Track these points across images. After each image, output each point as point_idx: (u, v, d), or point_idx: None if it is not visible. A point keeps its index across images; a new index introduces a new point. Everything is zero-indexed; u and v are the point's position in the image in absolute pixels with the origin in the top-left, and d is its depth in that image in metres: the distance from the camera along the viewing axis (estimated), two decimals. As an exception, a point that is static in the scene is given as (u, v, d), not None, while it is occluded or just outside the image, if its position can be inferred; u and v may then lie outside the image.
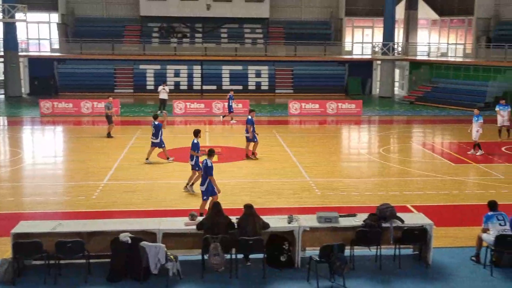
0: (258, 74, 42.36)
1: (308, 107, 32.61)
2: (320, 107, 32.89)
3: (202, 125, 29.18)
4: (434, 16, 44.62)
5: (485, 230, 11.58)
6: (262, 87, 42.16)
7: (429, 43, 44.79)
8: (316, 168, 19.84)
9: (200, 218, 11.50)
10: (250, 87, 41.90)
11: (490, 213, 11.56)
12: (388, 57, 40.79)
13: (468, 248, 12.18)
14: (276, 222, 11.55)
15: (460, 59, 41.56)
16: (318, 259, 10.66)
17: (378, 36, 44.23)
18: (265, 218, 11.47)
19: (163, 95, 31.89)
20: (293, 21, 44.84)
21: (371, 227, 11.41)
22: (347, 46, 45.61)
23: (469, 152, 22.33)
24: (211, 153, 14.38)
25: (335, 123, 30.65)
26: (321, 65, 43.07)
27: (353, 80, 42.76)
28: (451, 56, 43.31)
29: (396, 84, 44.05)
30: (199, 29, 44.01)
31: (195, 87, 41.67)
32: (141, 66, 42.16)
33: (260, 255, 11.12)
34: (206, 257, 10.92)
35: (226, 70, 42.15)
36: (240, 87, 41.49)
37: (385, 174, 19.54)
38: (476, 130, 22.07)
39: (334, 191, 17.12)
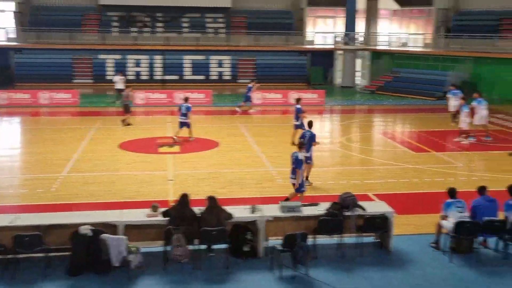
0: (220, 64, 42.13)
1: (270, 97, 32.60)
2: (282, 97, 32.92)
3: (164, 115, 28.90)
4: (395, 6, 45.08)
5: (444, 217, 11.78)
6: (225, 77, 41.97)
7: (390, 33, 45.24)
8: (279, 158, 19.86)
9: (162, 210, 11.38)
10: (212, 77, 41.67)
11: (449, 200, 11.75)
12: (349, 47, 41.05)
13: (428, 235, 12.37)
14: (239, 213, 11.52)
15: (420, 49, 42.14)
16: (281, 248, 10.70)
17: (340, 26, 44.46)
18: (228, 208, 11.42)
19: (119, 85, 31.54)
20: (255, 11, 44.67)
21: (334, 216, 11.49)
22: (309, 36, 45.70)
23: (463, 142, 22.32)
24: (301, 145, 14.55)
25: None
26: (284, 55, 43.11)
27: (315, 70, 42.92)
28: (411, 46, 43.86)
29: (358, 74, 44.39)
30: (160, 18, 43.48)
31: (156, 77, 41.22)
32: (101, 56, 41.43)
33: (224, 246, 11.10)
34: (168, 248, 10.83)
35: (188, 60, 41.79)
36: (202, 77, 41.24)
37: (347, 163, 19.69)
38: (480, 115, 21.88)
39: (297, 180, 17.13)
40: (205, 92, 32.84)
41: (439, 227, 11.92)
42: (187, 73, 41.47)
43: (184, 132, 22.34)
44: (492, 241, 11.98)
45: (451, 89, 26.93)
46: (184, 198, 11.27)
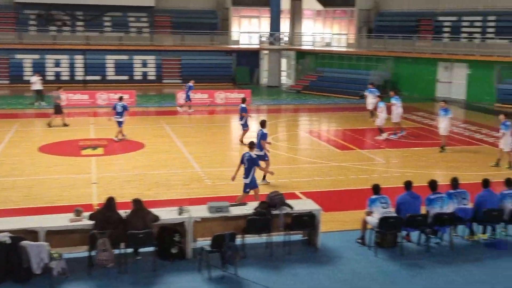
0: (144, 64, 41.41)
1: (196, 97, 32.35)
2: (209, 97, 32.77)
3: (86, 117, 28.10)
4: (318, 6, 45.85)
5: (369, 213, 12.02)
6: (149, 77, 41.31)
7: (314, 33, 45.96)
8: (206, 158, 19.73)
9: (86, 214, 11.01)
10: (136, 77, 40.90)
11: (373, 196, 12.00)
12: (274, 46, 41.40)
13: (354, 231, 12.59)
14: (167, 214, 11.33)
15: (344, 49, 43.05)
16: (209, 249, 10.59)
17: (265, 26, 44.75)
18: (155, 210, 11.21)
19: (36, 86, 30.47)
20: (179, 10, 44.23)
21: (262, 215, 11.50)
22: (235, 36, 45.76)
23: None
24: (252, 145, 14.40)
25: (224, 113, 30.65)
26: (209, 54, 42.93)
27: (241, 70, 43.01)
28: (335, 46, 44.74)
29: (283, 73, 44.83)
30: (80, 17, 42.23)
31: (77, 78, 40.00)
32: (18, 56, 39.80)
33: (151, 248, 10.87)
34: (93, 253, 10.50)
35: (110, 60, 40.81)
36: (126, 78, 40.40)
37: (274, 162, 19.72)
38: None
39: (225, 180, 17.05)
40: (128, 92, 32.15)
41: (365, 223, 12.15)
42: (110, 74, 40.51)
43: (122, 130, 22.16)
44: (414, 235, 12.33)
45: (369, 87, 27.92)
46: (109, 202, 10.96)
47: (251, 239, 11.84)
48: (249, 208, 11.78)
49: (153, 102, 33.42)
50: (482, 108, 32.66)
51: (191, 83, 30.11)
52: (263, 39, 42.79)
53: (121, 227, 10.71)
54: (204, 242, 11.08)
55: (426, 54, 36.98)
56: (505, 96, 33.16)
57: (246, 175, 14.02)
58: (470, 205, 12.39)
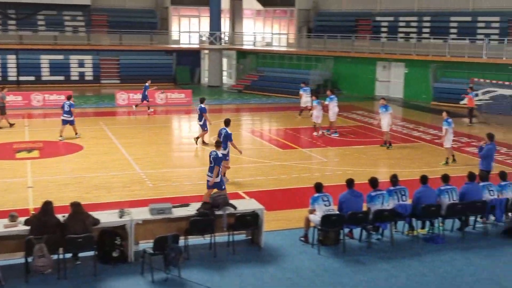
0: (81, 64, 40.34)
1: (136, 98, 31.79)
2: (149, 97, 32.19)
3: (20, 119, 27.18)
4: (258, 6, 45.98)
5: (312, 211, 12.09)
6: (86, 78, 40.28)
7: (254, 32, 46.06)
8: (147, 160, 19.43)
9: (22, 219, 10.61)
10: (73, 78, 39.77)
11: (316, 195, 12.09)
12: (215, 46, 41.24)
13: (297, 229, 12.66)
14: (107, 217, 11.06)
15: (284, 49, 43.33)
16: (152, 251, 10.42)
17: (205, 25, 44.52)
18: (95, 214, 10.93)
19: None
20: (116, 9, 43.42)
21: (205, 215, 11.39)
22: (174, 35, 45.32)
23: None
24: (218, 144, 14.44)
25: (164, 113, 30.28)
26: (148, 54, 42.31)
27: (181, 70, 42.61)
28: (275, 46, 44.98)
29: (224, 73, 44.72)
30: (12, 16, 40.82)
31: (10, 78, 38.60)
32: None
33: (91, 253, 10.58)
34: (30, 259, 10.11)
35: (45, 60, 39.50)
36: (62, 78, 39.24)
37: (216, 162, 19.65)
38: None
39: (167, 182, 16.87)
40: (64, 93, 31.25)
41: (307, 221, 12.23)
42: (45, 74, 39.24)
43: (68, 130, 21.92)
44: (356, 231, 12.50)
45: (302, 86, 28.64)
46: (46, 206, 10.59)
47: (194, 240, 11.72)
48: (192, 209, 11.65)
49: (91, 103, 32.67)
50: (419, 106, 33.54)
51: (147, 83, 29.68)
52: (204, 38, 42.54)
53: (59, 231, 10.38)
54: (147, 245, 10.91)
55: (364, 53, 37.68)
56: (440, 95, 34.17)
57: (211, 173, 14.01)
58: (409, 201, 12.65)
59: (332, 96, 24.44)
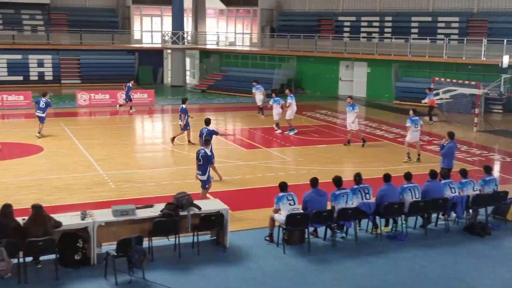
0: (40, 64, 39.51)
1: (98, 98, 31.40)
2: (110, 97, 31.85)
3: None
4: (221, 6, 45.87)
5: (276, 211, 12.08)
6: (46, 78, 39.46)
7: (217, 32, 45.92)
8: (110, 161, 19.16)
9: (-21, 222, 10.31)
10: (32, 78, 38.91)
11: (280, 194, 12.07)
12: (178, 46, 40.96)
13: (262, 229, 12.63)
14: (68, 220, 10.84)
15: (248, 48, 43.31)
16: (115, 254, 10.25)
17: (167, 24, 44.17)
18: (56, 216, 10.70)
19: None
20: (77, 8, 42.73)
21: (169, 216, 11.27)
22: (136, 35, 44.85)
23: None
24: (207, 142, 14.49)
25: (127, 114, 29.92)
26: (110, 54, 41.72)
27: (144, 69, 42.19)
28: (239, 45, 44.93)
29: (188, 72, 44.47)
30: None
31: (-35, 79, 37.66)
32: None
33: (52, 256, 10.34)
34: (-12, 264, 9.85)
35: (2, 60, 38.47)
36: (20, 78, 38.35)
37: (181, 163, 19.54)
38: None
39: (130, 183, 16.66)
40: (23, 94, 30.68)
41: (272, 220, 12.22)
42: (2, 74, 38.21)
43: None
44: (321, 230, 12.54)
45: (254, 84, 29.12)
46: (5, 209, 10.33)
47: (158, 241, 11.58)
48: (156, 210, 11.52)
49: (51, 103, 31.96)
50: (382, 105, 33.93)
51: (130, 83, 29.51)
52: (166, 38, 42.19)
53: (19, 235, 10.13)
54: (110, 247, 10.74)
55: (327, 53, 37.92)
56: (402, 94, 34.65)
57: (202, 172, 14.05)
58: (373, 200, 12.76)
59: (291, 96, 24.62)
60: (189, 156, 20.48)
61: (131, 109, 29.56)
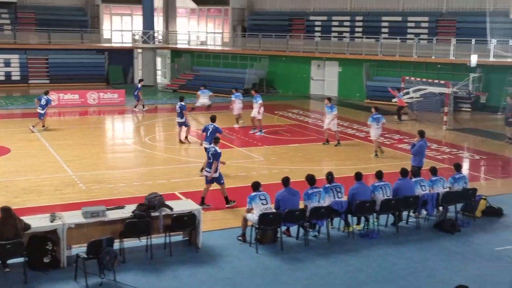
0: (7, 63, 38.71)
1: (67, 98, 30.94)
2: (80, 98, 31.43)
3: None
4: (192, 5, 45.66)
5: (249, 210, 12.06)
6: (13, 78, 38.70)
7: (189, 31, 45.69)
8: (80, 162, 18.89)
9: None
10: (-1, 78, 38.32)
11: (253, 193, 12.05)
12: (148, 45, 40.64)
13: (235, 229, 12.61)
14: (37, 222, 10.64)
15: (219, 48, 43.18)
16: (85, 256, 10.11)
17: (138, 23, 43.80)
18: (25, 218, 10.50)
19: None
20: (44, 6, 41.99)
21: (140, 217, 11.15)
22: (106, 34, 44.34)
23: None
24: (217, 140, 14.66)
25: (97, 114, 29.59)
26: (79, 53, 41.16)
27: (114, 69, 41.73)
28: (210, 45, 44.77)
29: (159, 72, 44.15)
30: None
31: None
32: None
33: (21, 259, 10.15)
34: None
35: (-33, 59, 37.84)
36: (-14, 78, 37.76)
37: (152, 163, 19.38)
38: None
39: (101, 184, 16.45)
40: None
41: (245, 220, 12.20)
42: (-32, 73, 37.61)
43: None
44: (294, 229, 12.55)
45: (201, 89, 29.39)
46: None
47: (130, 242, 11.45)
48: (127, 211, 11.39)
49: (19, 103, 31.49)
50: (353, 104, 34.14)
51: (139, 85, 30.15)
52: (137, 37, 41.82)
53: (-14, 238, 9.91)
54: (80, 249, 10.57)
55: (299, 52, 38.02)
56: (373, 93, 34.92)
57: (210, 168, 14.27)
58: (345, 198, 12.81)
59: (257, 96, 24.42)
60: (160, 157, 20.38)
61: (135, 107, 29.92)
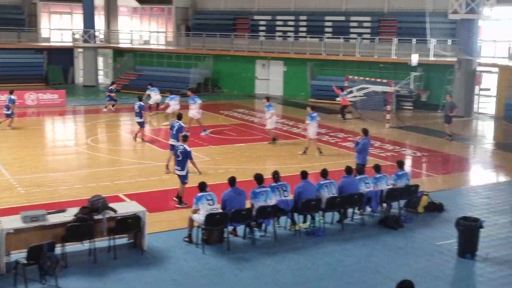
0: None
1: (4, 99, 29.85)
2: (18, 98, 30.33)
3: None
4: (134, 3, 45.02)
5: (195, 211, 11.94)
6: None
7: (131, 30, 45.00)
8: (18, 165, 18.29)
9: None
10: None
11: (199, 194, 11.94)
12: (89, 44, 39.79)
13: (181, 230, 12.46)
14: (-27, 228, 10.21)
15: (163, 47, 42.71)
16: (25, 262, 9.78)
17: (78, 22, 42.77)
18: (-41, 224, 10.05)
19: None
20: (-21, 5, 40.63)
21: (83, 220, 10.86)
22: (45, 33, 43.14)
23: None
24: (185, 138, 14.80)
25: (36, 115, 28.75)
26: (16, 53, 39.82)
27: (53, 69, 40.63)
28: (154, 44, 44.23)
29: (101, 72, 43.29)
30: None
31: None
32: None
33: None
34: None
35: None
36: None
37: (95, 165, 18.95)
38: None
39: (40, 187, 15.95)
40: None
41: (191, 221, 12.07)
42: None
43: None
44: (240, 229, 12.50)
45: (149, 87, 29.39)
46: None
47: (72, 247, 11.14)
48: (69, 214, 11.07)
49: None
50: (298, 103, 34.38)
51: (113, 86, 30.82)
52: (77, 36, 40.85)
53: None
54: (20, 255, 10.21)
55: (244, 52, 38.02)
56: (317, 92, 35.29)
57: (182, 167, 14.37)
58: (291, 197, 12.84)
59: (195, 97, 24.25)
60: (103, 158, 19.97)
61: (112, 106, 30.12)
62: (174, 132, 17.16)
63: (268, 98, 23.01)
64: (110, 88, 30.75)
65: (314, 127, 20.56)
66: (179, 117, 17.76)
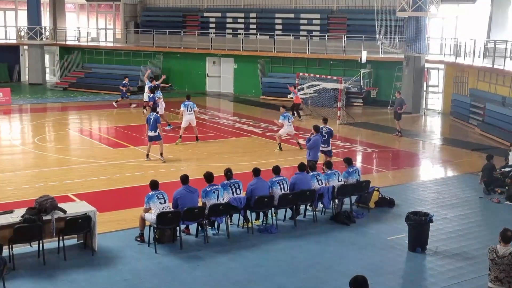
0: None
1: None
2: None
3: None
4: (81, 0, 44.08)
5: (147, 210, 11.79)
6: None
7: (78, 27, 44.09)
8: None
9: None
10: None
11: (151, 193, 11.78)
12: (35, 41, 38.78)
13: (133, 230, 12.29)
14: None
15: (111, 44, 42.00)
16: (-30, 266, 9.41)
17: (23, 19, 41.59)
18: None
19: None
20: None
21: (31, 221, 10.57)
22: (-12, 30, 41.88)
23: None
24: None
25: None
26: (-42, 50, 38.64)
27: (-2, 67, 39.54)
28: (102, 41, 43.45)
29: (47, 70, 42.27)
30: None
31: None
32: None
33: None
34: None
35: None
36: None
37: (43, 165, 18.48)
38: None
39: (-14, 187, 15.46)
40: None
41: (143, 220, 11.92)
42: None
43: None
44: (193, 227, 12.42)
45: (124, 81, 30.15)
46: None
47: (20, 248, 10.85)
48: (16, 215, 10.76)
49: None
50: (249, 100, 34.43)
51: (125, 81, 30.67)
52: (22, 33, 39.74)
53: None
54: (-37, 259, 9.84)
55: (194, 49, 37.78)
56: (268, 89, 35.40)
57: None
58: (243, 194, 12.82)
59: (158, 92, 24.60)
60: (51, 157, 19.53)
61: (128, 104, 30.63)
62: (151, 124, 18.47)
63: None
64: (123, 83, 30.58)
65: (288, 126, 20.80)
66: (154, 109, 19.52)
